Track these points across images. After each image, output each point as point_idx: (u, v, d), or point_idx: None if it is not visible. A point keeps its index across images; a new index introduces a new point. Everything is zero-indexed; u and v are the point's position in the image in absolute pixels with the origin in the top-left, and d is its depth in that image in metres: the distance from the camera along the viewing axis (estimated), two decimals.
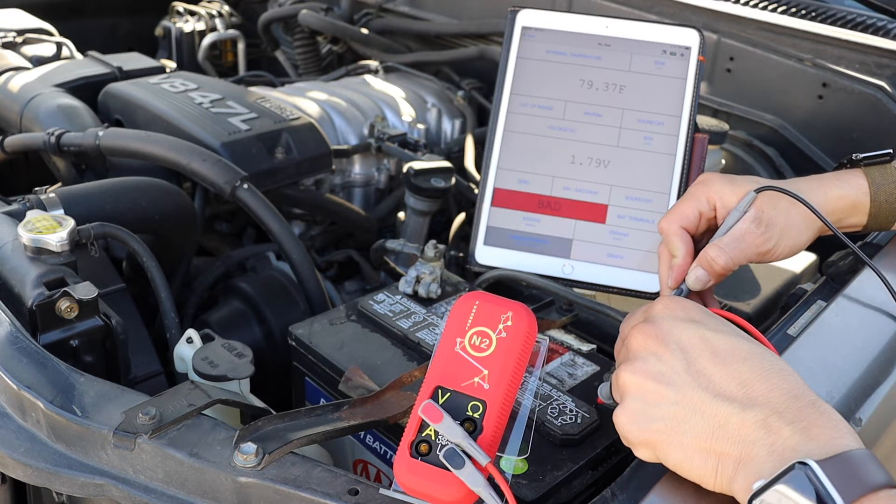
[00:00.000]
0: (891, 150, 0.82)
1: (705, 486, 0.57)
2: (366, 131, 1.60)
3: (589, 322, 1.03)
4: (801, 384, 0.57)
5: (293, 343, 0.94)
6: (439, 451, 0.58)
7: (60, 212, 1.05)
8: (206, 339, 0.93)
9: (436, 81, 1.87)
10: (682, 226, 0.76)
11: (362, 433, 0.88)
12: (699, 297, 0.82)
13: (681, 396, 0.58)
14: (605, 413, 0.81)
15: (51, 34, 1.82)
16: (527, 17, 0.94)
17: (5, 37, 1.73)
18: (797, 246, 0.77)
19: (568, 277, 0.90)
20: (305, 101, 1.61)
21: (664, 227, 0.78)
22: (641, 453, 0.60)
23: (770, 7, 1.60)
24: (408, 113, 1.70)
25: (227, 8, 2.36)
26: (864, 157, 0.82)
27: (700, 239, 0.78)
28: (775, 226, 0.74)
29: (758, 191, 0.75)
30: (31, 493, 0.80)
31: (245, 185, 1.18)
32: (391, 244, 1.22)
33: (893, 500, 0.48)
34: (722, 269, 0.74)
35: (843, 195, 0.80)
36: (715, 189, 0.76)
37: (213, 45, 2.27)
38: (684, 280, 0.76)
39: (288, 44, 2.23)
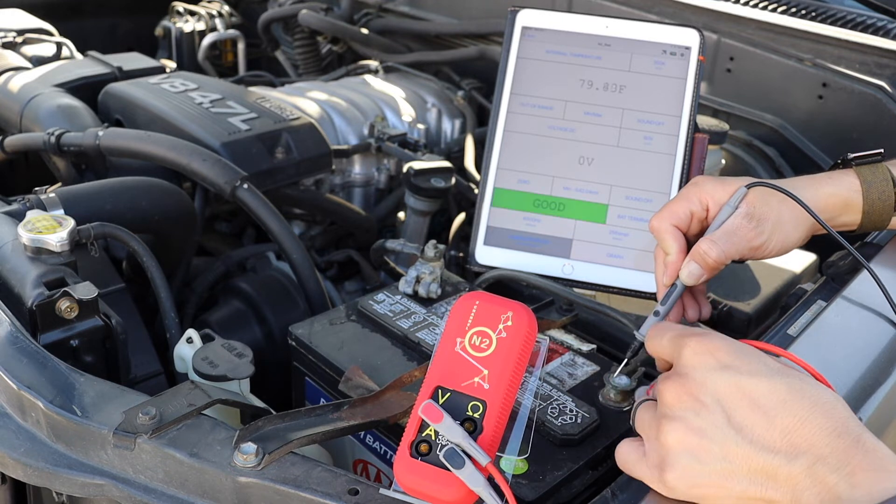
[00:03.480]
0: (881, 150, 0.83)
1: None
2: (366, 131, 1.60)
3: (589, 322, 1.03)
4: (845, 415, 0.55)
5: (293, 343, 0.94)
6: (439, 451, 0.58)
7: (60, 212, 1.05)
8: (206, 339, 0.93)
9: (436, 81, 1.87)
10: (674, 224, 0.77)
11: (362, 433, 0.88)
12: (692, 295, 0.82)
13: (726, 451, 0.56)
14: (605, 413, 0.81)
15: (51, 34, 1.82)
16: (527, 17, 0.94)
17: (5, 37, 1.73)
18: (789, 243, 0.78)
19: (568, 277, 0.90)
20: (305, 101, 1.61)
21: (655, 226, 0.78)
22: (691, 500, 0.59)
23: (770, 7, 1.60)
24: (408, 113, 1.70)
25: (227, 8, 2.36)
26: (854, 157, 0.83)
27: (692, 240, 0.79)
28: (766, 221, 0.75)
29: (748, 186, 0.75)
30: (31, 493, 0.80)
31: (245, 185, 1.18)
32: (391, 244, 1.22)
33: None
34: (714, 262, 0.74)
35: (835, 193, 0.81)
36: (707, 189, 0.77)
37: (213, 45, 2.27)
38: (678, 277, 0.76)
39: (288, 44, 2.23)
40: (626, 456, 0.63)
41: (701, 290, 0.83)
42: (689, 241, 0.78)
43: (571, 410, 0.79)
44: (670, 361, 0.64)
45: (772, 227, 0.75)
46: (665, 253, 0.77)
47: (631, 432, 0.79)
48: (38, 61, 1.67)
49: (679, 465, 0.58)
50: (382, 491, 0.61)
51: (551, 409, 0.79)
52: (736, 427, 0.56)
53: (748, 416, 0.56)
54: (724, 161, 1.47)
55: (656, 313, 0.76)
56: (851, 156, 0.83)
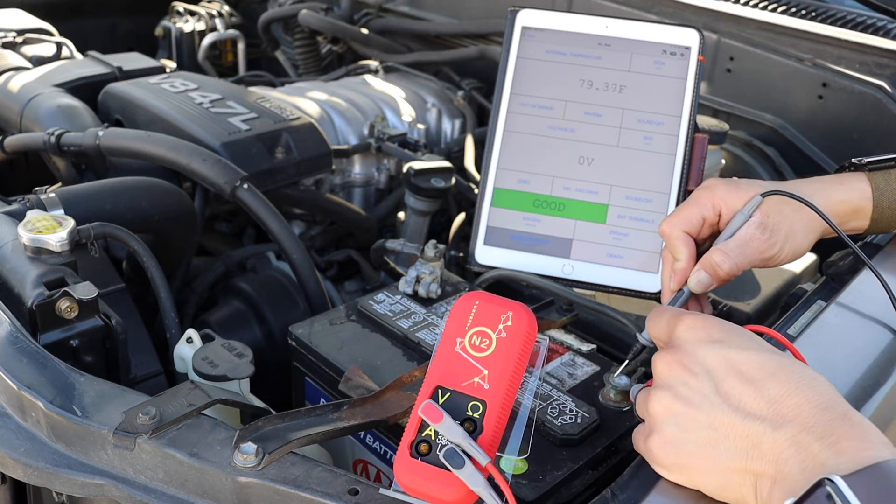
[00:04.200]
0: (895, 156, 0.81)
1: None
2: (366, 131, 1.60)
3: (589, 322, 1.03)
4: (832, 394, 0.56)
5: (293, 343, 0.94)
6: (439, 451, 0.58)
7: (60, 212, 1.05)
8: (206, 339, 0.93)
9: (436, 81, 1.87)
10: (685, 230, 0.76)
11: (362, 433, 0.88)
12: (695, 298, 0.82)
13: (712, 419, 0.57)
14: (605, 413, 0.81)
15: (51, 34, 1.82)
16: (527, 17, 0.94)
17: (5, 37, 1.73)
18: (799, 251, 0.77)
19: (568, 277, 0.89)
20: (305, 101, 1.61)
21: (666, 231, 0.77)
22: (676, 477, 0.60)
23: (770, 7, 1.60)
24: (408, 113, 1.70)
25: (227, 8, 2.36)
26: (868, 162, 0.82)
27: (702, 244, 0.78)
28: (780, 231, 0.74)
29: (764, 195, 0.74)
30: (31, 493, 0.80)
31: (245, 185, 1.18)
32: (391, 244, 1.22)
33: None
34: (726, 275, 0.73)
35: (846, 199, 0.80)
36: (720, 194, 0.76)
37: (213, 45, 2.27)
38: (686, 283, 0.76)
39: (288, 44, 2.23)
40: (634, 436, 0.64)
41: (704, 293, 0.82)
42: (699, 244, 0.77)
43: (571, 410, 0.79)
44: (667, 340, 0.65)
45: (784, 236, 0.74)
46: (674, 258, 0.77)
47: (632, 431, 0.79)
48: (38, 61, 1.67)
49: (663, 432, 0.60)
50: (382, 491, 0.61)
51: (551, 409, 0.79)
52: (723, 395, 0.58)
53: (736, 386, 0.58)
54: (724, 161, 1.47)
55: None
56: (865, 160, 0.82)
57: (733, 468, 0.56)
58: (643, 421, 0.64)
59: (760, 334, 0.64)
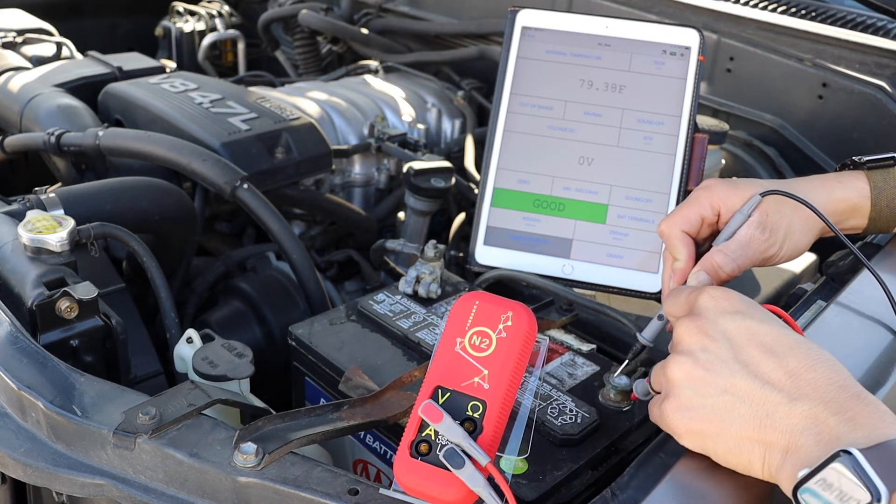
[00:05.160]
0: (894, 155, 0.82)
1: (754, 475, 0.58)
2: (366, 131, 1.60)
3: (589, 322, 1.03)
4: (847, 375, 0.57)
5: (293, 343, 0.94)
6: (439, 451, 0.58)
7: (60, 212, 1.05)
8: (206, 339, 0.93)
9: (436, 81, 1.87)
10: (684, 230, 0.76)
11: (362, 433, 0.88)
12: None
13: (729, 384, 0.58)
14: (605, 413, 0.81)
15: (51, 34, 1.82)
16: (527, 17, 0.94)
17: (5, 37, 1.73)
18: (799, 249, 0.77)
19: (568, 277, 0.90)
20: (305, 101, 1.61)
21: (665, 231, 0.77)
22: (688, 442, 0.61)
23: (770, 7, 1.60)
24: (408, 113, 1.70)
25: (227, 8, 2.36)
26: (867, 161, 0.82)
27: (702, 244, 0.78)
28: (779, 230, 0.74)
29: (763, 194, 0.74)
30: (31, 493, 0.80)
31: (245, 185, 1.18)
32: (391, 244, 1.22)
33: None
34: (728, 276, 0.74)
35: (845, 198, 0.80)
36: (719, 194, 0.76)
37: (213, 45, 2.27)
38: (686, 283, 0.76)
39: (288, 44, 2.23)
40: (650, 406, 0.66)
41: None
42: (698, 244, 0.77)
43: (571, 410, 0.79)
44: (685, 315, 0.66)
45: (783, 235, 0.75)
46: (674, 258, 0.77)
47: (632, 431, 0.79)
48: (38, 61, 1.67)
49: (679, 397, 0.61)
50: (382, 491, 0.61)
51: (551, 409, 0.79)
52: (742, 362, 0.59)
53: (755, 355, 0.59)
54: (724, 161, 1.46)
55: (660, 317, 0.76)
56: (864, 159, 0.82)
57: (745, 436, 0.57)
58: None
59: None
